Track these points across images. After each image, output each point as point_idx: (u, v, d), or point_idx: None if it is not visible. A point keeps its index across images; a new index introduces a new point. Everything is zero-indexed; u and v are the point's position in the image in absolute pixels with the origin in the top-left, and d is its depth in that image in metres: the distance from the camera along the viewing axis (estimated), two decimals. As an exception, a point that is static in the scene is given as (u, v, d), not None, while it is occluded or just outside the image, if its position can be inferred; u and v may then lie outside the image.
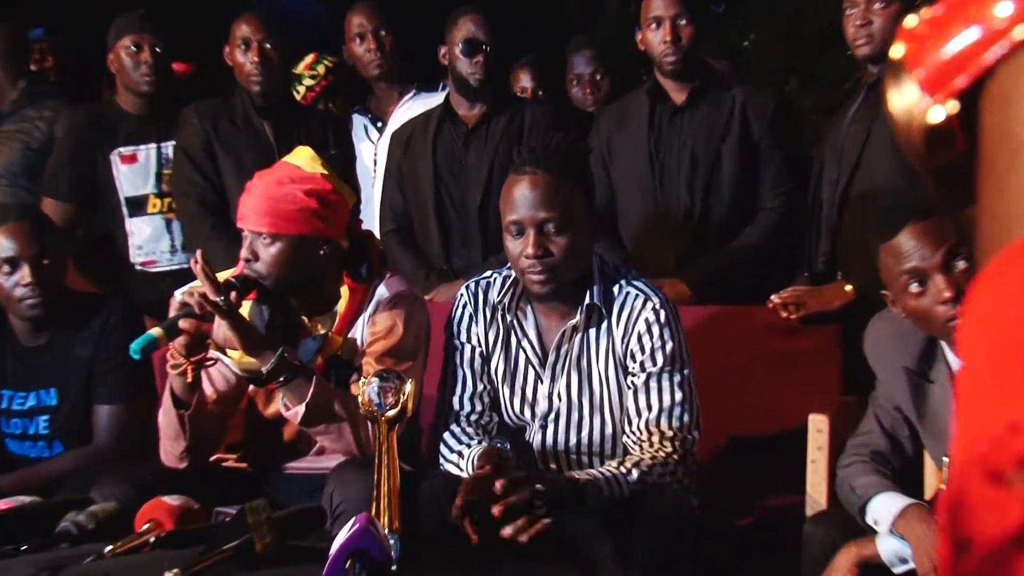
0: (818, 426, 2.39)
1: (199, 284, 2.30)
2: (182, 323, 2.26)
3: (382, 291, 2.47)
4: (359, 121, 3.92)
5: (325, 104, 4.03)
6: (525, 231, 2.28)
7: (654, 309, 2.33)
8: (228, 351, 2.43)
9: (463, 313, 2.45)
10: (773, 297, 2.89)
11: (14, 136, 3.65)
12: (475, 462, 2.24)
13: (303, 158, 2.47)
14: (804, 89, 5.29)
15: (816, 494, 2.39)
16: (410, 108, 3.78)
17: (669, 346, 2.32)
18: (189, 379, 2.33)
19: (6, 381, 2.78)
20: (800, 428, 2.43)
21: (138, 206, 3.48)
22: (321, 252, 2.42)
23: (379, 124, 3.88)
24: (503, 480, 2.02)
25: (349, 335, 2.47)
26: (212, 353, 2.38)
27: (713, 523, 2.20)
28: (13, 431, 2.78)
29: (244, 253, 2.39)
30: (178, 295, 2.32)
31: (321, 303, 2.49)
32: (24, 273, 2.67)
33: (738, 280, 3.10)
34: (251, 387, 2.52)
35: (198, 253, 2.30)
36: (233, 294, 2.31)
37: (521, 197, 2.28)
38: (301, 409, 2.31)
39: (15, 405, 2.78)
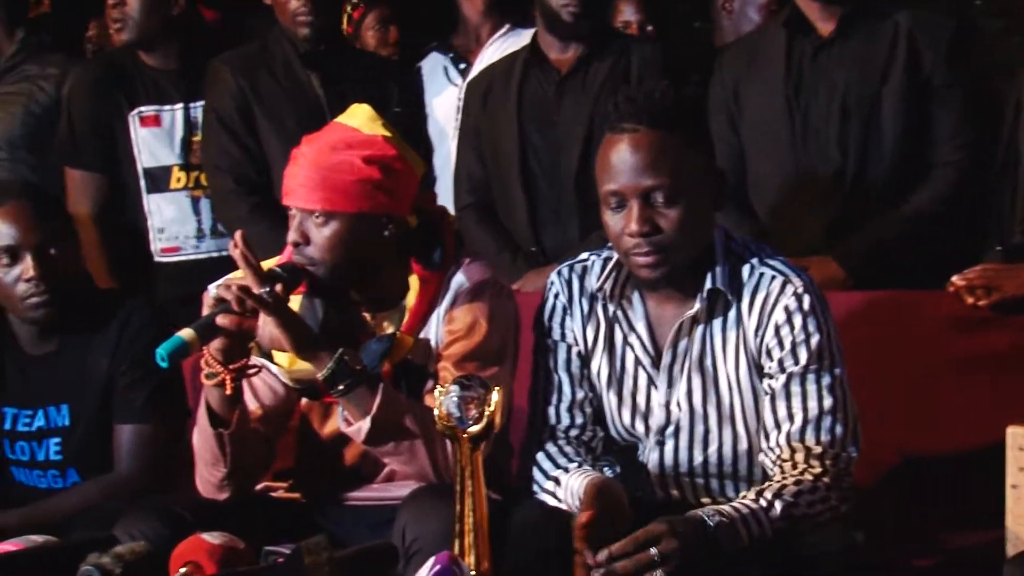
0: (1020, 442, 2.34)
1: (238, 275, 2.36)
2: (219, 321, 2.31)
3: (460, 280, 2.50)
4: (437, 61, 3.92)
5: (379, 34, 4.03)
6: (627, 203, 2.29)
7: (795, 294, 2.32)
8: (275, 356, 2.48)
9: (555, 305, 2.47)
10: (955, 278, 2.86)
11: (13, 99, 3.75)
12: (577, 497, 2.25)
13: (360, 118, 2.51)
14: (992, 5, 5.17)
15: (1019, 527, 2.34)
16: (503, 48, 3.77)
17: (815, 340, 2.31)
18: (228, 391, 2.38)
19: (7, 397, 2.84)
20: (995, 445, 2.39)
21: (159, 180, 3.57)
22: (385, 233, 2.46)
23: (462, 66, 3.88)
24: (608, 550, 2.03)
25: (421, 335, 2.50)
26: (255, 360, 2.43)
27: (886, 565, 2.19)
28: (20, 457, 2.85)
29: (292, 236, 2.44)
30: (212, 289, 2.38)
31: (386, 296, 2.53)
32: (27, 265, 2.72)
33: (907, 257, 3.08)
34: (304, 401, 2.57)
35: (237, 235, 2.35)
36: (279, 286, 2.36)
37: (620, 161, 2.28)
38: (366, 424, 2.35)
39: (20, 426, 2.84)
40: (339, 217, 2.42)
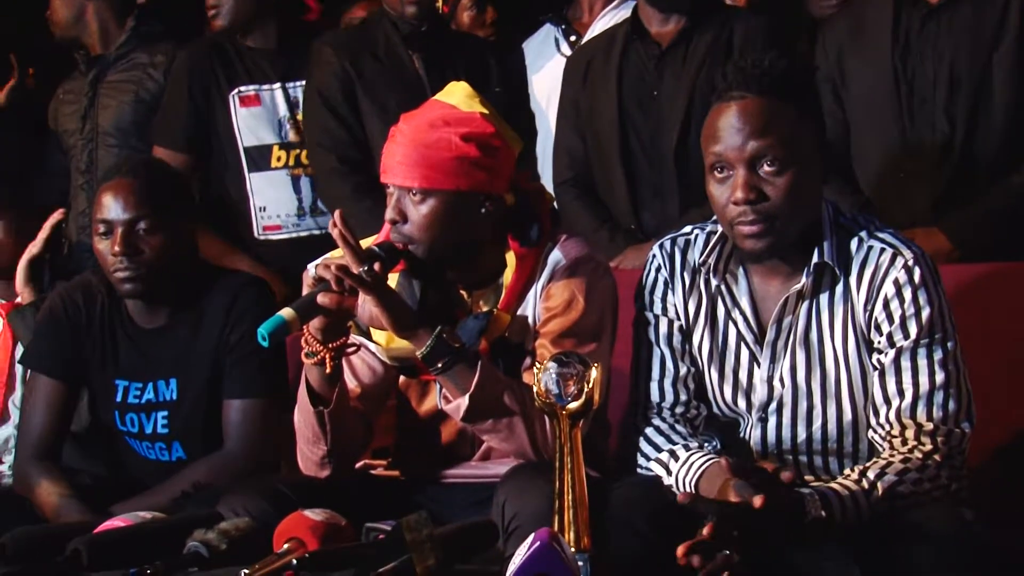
0: None
1: (337, 254, 2.35)
2: (319, 300, 2.31)
3: (557, 257, 2.47)
4: (549, 33, 3.91)
5: (475, 15, 4.03)
6: (733, 170, 2.24)
7: (906, 266, 2.26)
8: (374, 335, 2.48)
9: (656, 279, 2.43)
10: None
11: (124, 87, 3.79)
12: (697, 475, 2.21)
13: (458, 95, 2.49)
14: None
15: None
16: (614, 20, 3.73)
17: (926, 313, 2.24)
18: (328, 369, 2.38)
19: (119, 370, 2.90)
20: None
21: (259, 159, 3.59)
22: (482, 211, 2.44)
23: (573, 38, 3.86)
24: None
25: (518, 312, 2.48)
26: (354, 338, 2.43)
27: (994, 544, 2.10)
28: (129, 428, 2.90)
29: (389, 214, 2.43)
30: (312, 269, 2.37)
31: (483, 274, 2.51)
32: (115, 239, 2.77)
33: (1017, 229, 3.00)
34: (402, 379, 2.57)
35: (336, 215, 2.35)
36: (377, 264, 2.35)
37: (727, 126, 2.24)
38: (464, 401, 2.34)
39: (131, 398, 2.89)
40: (437, 194, 2.40)
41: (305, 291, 2.37)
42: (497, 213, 2.46)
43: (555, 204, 2.73)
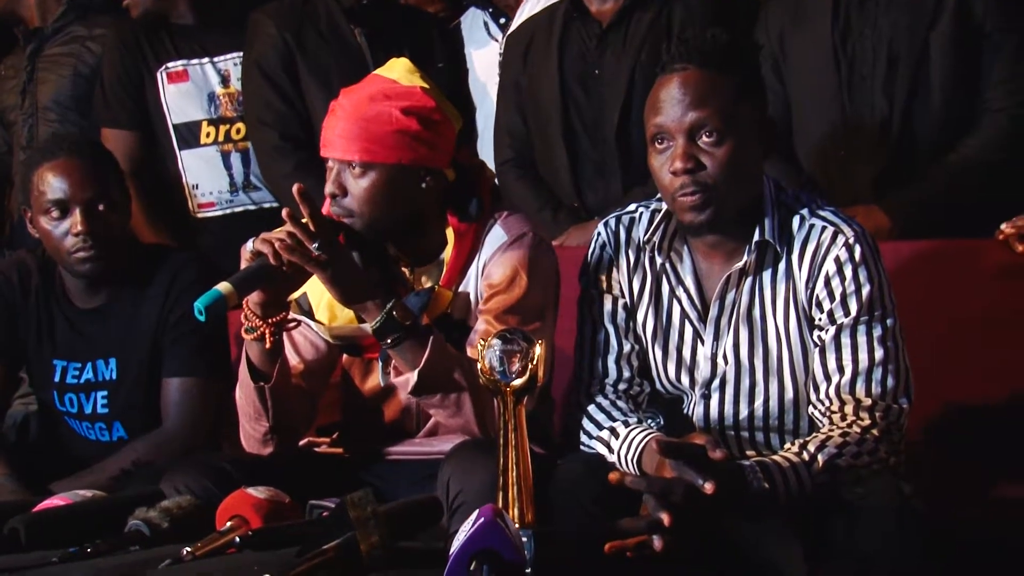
0: None
1: (275, 232, 2.31)
2: (279, 257, 2.26)
3: (498, 233, 2.47)
4: (476, 17, 3.87)
5: None
6: (673, 141, 2.24)
7: (847, 244, 2.26)
8: (317, 314, 2.46)
9: (601, 256, 2.43)
10: (1004, 226, 2.81)
11: (62, 61, 3.73)
12: (637, 453, 2.21)
13: (399, 70, 2.48)
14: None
15: None
16: (542, 1, 3.73)
17: (867, 290, 2.25)
18: (268, 345, 2.36)
19: (57, 350, 2.87)
20: None
21: (189, 136, 3.54)
22: (423, 185, 2.43)
23: (503, 20, 3.84)
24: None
25: (460, 289, 2.47)
26: (294, 315, 2.41)
27: (931, 518, 2.13)
28: (68, 408, 2.87)
29: (329, 188, 2.41)
30: (250, 244, 2.35)
31: (424, 251, 2.49)
32: (76, 219, 2.73)
33: (956, 206, 3.01)
34: (345, 356, 2.55)
35: (296, 190, 2.30)
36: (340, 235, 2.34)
37: (668, 97, 2.24)
38: (413, 377, 2.32)
39: (69, 378, 2.86)
40: (377, 168, 2.39)
41: (243, 266, 2.34)
42: (438, 188, 2.45)
43: (496, 181, 2.70)
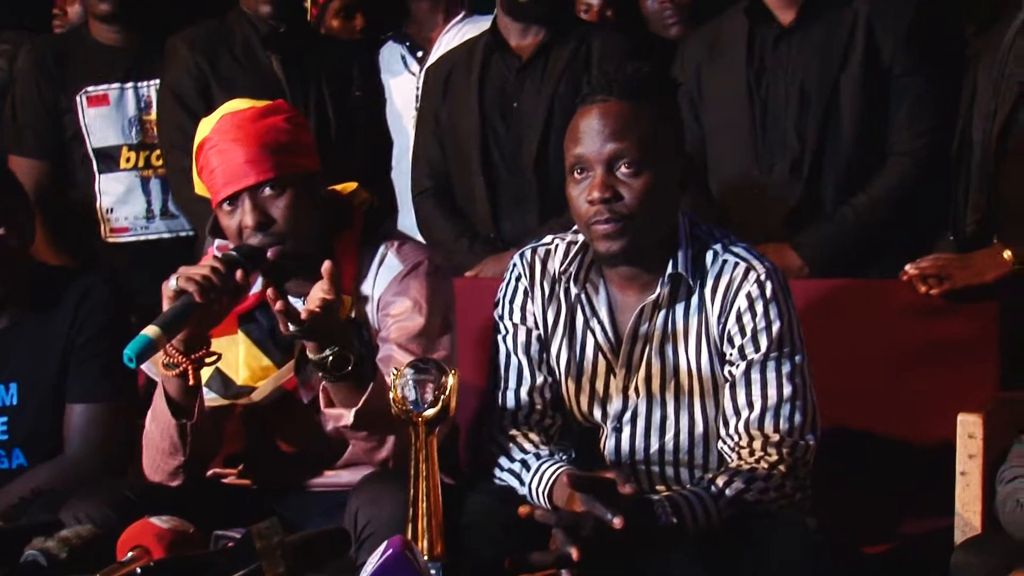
0: (970, 430, 2.34)
1: (197, 268, 2.28)
2: (205, 294, 2.22)
3: (392, 263, 2.46)
4: (394, 51, 3.88)
5: (343, 22, 4.00)
6: (592, 171, 2.25)
7: (758, 280, 2.29)
8: (239, 381, 2.44)
9: (516, 287, 2.43)
10: (909, 267, 2.83)
11: None
12: (548, 486, 2.21)
13: (236, 103, 2.46)
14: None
15: (968, 514, 2.35)
16: (459, 34, 3.74)
17: (776, 327, 2.27)
18: (191, 381, 2.32)
19: None
20: (946, 432, 2.40)
21: (108, 160, 3.49)
22: (322, 192, 2.44)
23: (419, 54, 3.85)
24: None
25: (360, 290, 2.46)
26: (214, 351, 2.36)
27: (837, 551, 2.15)
28: (-35, 435, 2.79)
29: (250, 220, 2.35)
30: (172, 282, 2.30)
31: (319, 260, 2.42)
32: None
33: (863, 245, 3.06)
34: None
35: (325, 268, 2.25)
36: (239, 272, 2.30)
37: (587, 128, 2.26)
38: (349, 416, 2.28)
39: (-33, 404, 2.79)
40: (291, 181, 2.38)
41: (166, 305, 2.30)
42: (326, 195, 2.47)
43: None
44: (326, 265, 2.25)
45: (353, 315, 2.42)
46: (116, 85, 3.50)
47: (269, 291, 2.23)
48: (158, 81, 3.47)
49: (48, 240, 3.38)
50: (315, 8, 4.01)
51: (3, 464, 2.77)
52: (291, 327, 2.22)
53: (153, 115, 3.49)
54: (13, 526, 2.28)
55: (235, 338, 2.46)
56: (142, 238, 3.49)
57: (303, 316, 2.21)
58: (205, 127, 2.45)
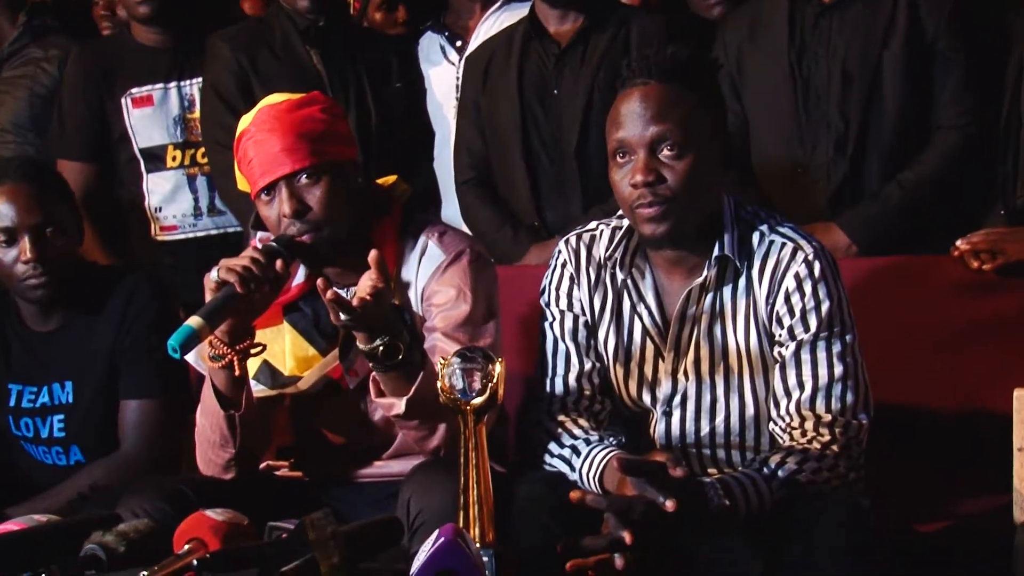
0: None
1: (237, 259, 2.29)
2: (246, 284, 2.23)
3: (435, 253, 2.46)
4: (433, 40, 3.87)
5: (385, 14, 4.01)
6: (635, 154, 2.25)
7: (806, 260, 2.27)
8: (286, 372, 2.45)
9: (562, 274, 2.42)
10: (960, 243, 2.83)
11: (18, 82, 3.73)
12: (598, 471, 2.21)
13: (275, 97, 2.47)
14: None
15: None
16: (498, 23, 3.71)
17: (826, 306, 2.26)
18: (237, 372, 2.34)
19: (12, 374, 2.83)
20: (1002, 409, 2.35)
21: (155, 160, 3.52)
22: (360, 180, 2.44)
23: (459, 43, 3.84)
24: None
25: (401, 278, 2.46)
26: (259, 341, 2.37)
27: (891, 531, 2.14)
28: (24, 433, 2.83)
29: (287, 209, 2.36)
30: (214, 273, 2.32)
31: (362, 251, 2.41)
32: (24, 246, 2.70)
33: (912, 223, 3.04)
34: None
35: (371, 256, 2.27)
36: (279, 261, 2.32)
37: (629, 112, 2.25)
38: (401, 405, 2.27)
39: (25, 402, 2.82)
40: (328, 169, 2.38)
41: (208, 296, 2.31)
42: (364, 184, 2.47)
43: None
44: (373, 254, 2.25)
45: (396, 302, 2.41)
46: (159, 85, 3.53)
47: (319, 281, 2.23)
48: (200, 80, 3.50)
49: (97, 241, 3.44)
50: (357, 2, 4.01)
51: (61, 460, 2.82)
52: (342, 316, 2.22)
53: (197, 113, 3.52)
54: (72, 521, 2.31)
55: (280, 329, 2.47)
56: (191, 235, 3.53)
57: (355, 304, 2.21)
58: (245, 121, 2.47)
